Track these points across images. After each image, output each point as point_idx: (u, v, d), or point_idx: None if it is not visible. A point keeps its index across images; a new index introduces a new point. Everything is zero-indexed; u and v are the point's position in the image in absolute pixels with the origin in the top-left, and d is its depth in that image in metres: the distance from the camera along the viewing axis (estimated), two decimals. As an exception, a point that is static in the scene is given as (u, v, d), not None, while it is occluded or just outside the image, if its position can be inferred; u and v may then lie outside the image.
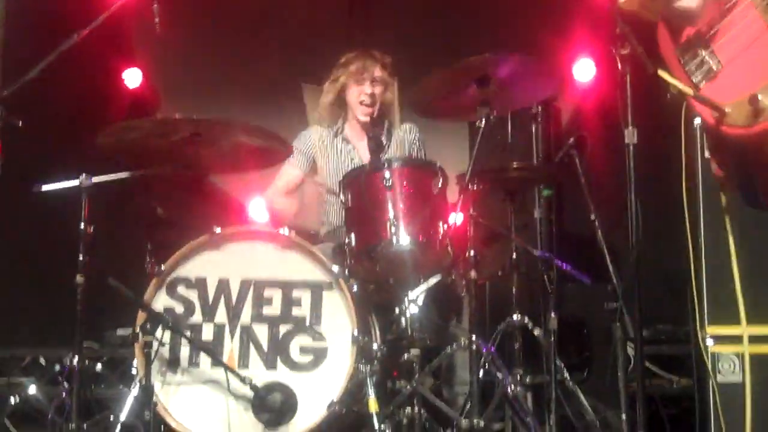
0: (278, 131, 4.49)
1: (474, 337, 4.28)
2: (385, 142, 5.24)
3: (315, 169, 5.47)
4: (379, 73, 5.31)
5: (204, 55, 7.35)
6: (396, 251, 4.33)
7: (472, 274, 4.32)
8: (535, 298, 4.97)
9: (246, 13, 7.38)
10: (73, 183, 4.43)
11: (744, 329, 3.88)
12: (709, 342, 3.99)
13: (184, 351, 4.32)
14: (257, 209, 5.38)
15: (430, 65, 4.50)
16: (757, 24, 3.17)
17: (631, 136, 3.64)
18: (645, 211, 3.66)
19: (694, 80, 3.38)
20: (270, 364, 4.29)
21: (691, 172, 4.04)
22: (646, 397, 3.61)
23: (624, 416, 4.37)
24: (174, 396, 4.28)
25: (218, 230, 4.43)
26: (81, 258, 4.35)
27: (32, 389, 4.62)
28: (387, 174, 4.36)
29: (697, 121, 4.01)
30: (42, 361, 6.01)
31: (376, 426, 4.11)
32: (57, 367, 4.53)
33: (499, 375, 4.30)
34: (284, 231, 4.43)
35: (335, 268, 4.33)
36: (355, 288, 4.36)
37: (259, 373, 4.24)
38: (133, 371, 4.28)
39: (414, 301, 4.41)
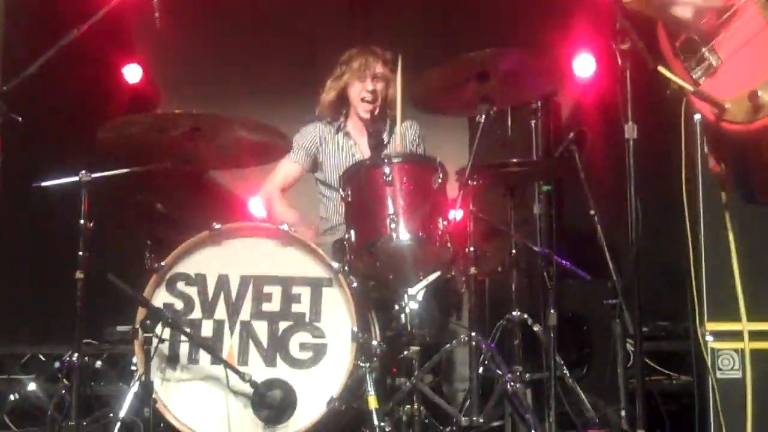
0: (278, 126, 4.48)
1: (473, 334, 4.28)
2: (386, 138, 5.24)
3: (315, 165, 5.47)
4: (381, 70, 5.32)
5: (204, 50, 7.35)
6: (396, 247, 4.33)
7: (472, 270, 4.32)
8: (534, 294, 4.97)
9: (246, 8, 7.37)
10: (73, 179, 4.43)
11: (744, 325, 3.88)
12: (709, 338, 3.99)
13: (184, 348, 4.32)
14: (256, 205, 5.38)
15: (431, 61, 4.49)
16: (756, 20, 3.16)
17: (631, 131, 3.63)
18: (645, 206, 3.65)
19: (693, 76, 3.36)
20: (269, 361, 4.28)
21: (691, 168, 4.04)
22: (645, 394, 3.60)
23: (623, 413, 4.37)
24: (173, 393, 4.28)
25: (218, 226, 4.41)
26: (80, 254, 4.35)
27: (32, 386, 4.63)
28: (387, 170, 4.35)
29: (697, 116, 4.00)
30: (41, 358, 6.01)
31: (376, 423, 4.10)
32: (56, 364, 4.53)
33: (499, 371, 4.30)
34: (284, 227, 4.42)
35: (335, 264, 4.33)
36: (354, 284, 4.35)
37: (258, 370, 4.23)
38: (133, 368, 4.28)
39: (414, 297, 4.41)
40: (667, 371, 5.72)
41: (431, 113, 5.06)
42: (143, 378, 4.06)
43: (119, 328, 6.03)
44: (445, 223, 4.37)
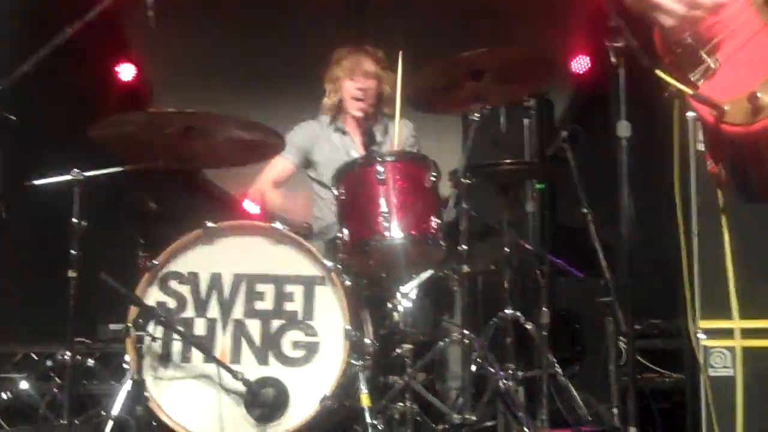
0: (272, 125, 4.47)
1: (466, 332, 4.29)
2: (380, 137, 5.24)
3: (308, 163, 5.46)
4: (372, 68, 5.32)
5: (197, 48, 7.36)
6: (389, 245, 4.31)
7: (465, 268, 4.33)
8: (527, 292, 4.98)
9: (240, 6, 7.38)
10: (65, 177, 4.43)
11: (736, 323, 3.89)
12: (701, 336, 4.00)
13: (176, 346, 4.29)
14: (250, 203, 5.37)
15: (426, 60, 4.50)
16: (753, 22, 3.16)
17: (623, 129, 3.63)
18: (637, 205, 3.65)
19: (692, 79, 3.37)
20: (262, 359, 4.27)
21: (683, 166, 4.04)
22: (637, 391, 3.61)
23: (616, 410, 4.39)
24: (166, 391, 4.26)
25: (210, 225, 4.41)
26: (73, 253, 4.35)
27: (24, 385, 4.62)
28: (380, 168, 4.35)
29: (690, 114, 4.02)
30: (34, 356, 6.00)
31: (368, 420, 4.08)
32: (49, 363, 4.52)
33: (492, 369, 4.30)
34: (277, 225, 4.41)
35: (328, 263, 4.32)
36: (347, 282, 4.35)
37: (251, 368, 4.22)
38: (125, 366, 4.27)
39: (406, 295, 4.41)
40: (659, 369, 5.73)
41: (425, 112, 5.05)
42: (135, 376, 4.05)
43: (112, 326, 6.02)
44: (438, 221, 4.36)
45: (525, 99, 5.67)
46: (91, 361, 4.68)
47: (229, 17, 7.35)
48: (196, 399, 4.25)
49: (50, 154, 5.61)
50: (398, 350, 4.34)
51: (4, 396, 4.50)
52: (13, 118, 4.12)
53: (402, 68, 4.89)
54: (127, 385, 4.15)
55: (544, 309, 4.62)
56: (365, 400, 4.15)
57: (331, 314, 4.30)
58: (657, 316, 5.85)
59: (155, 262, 4.36)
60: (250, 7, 7.32)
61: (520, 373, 4.51)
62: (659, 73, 3.30)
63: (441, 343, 4.47)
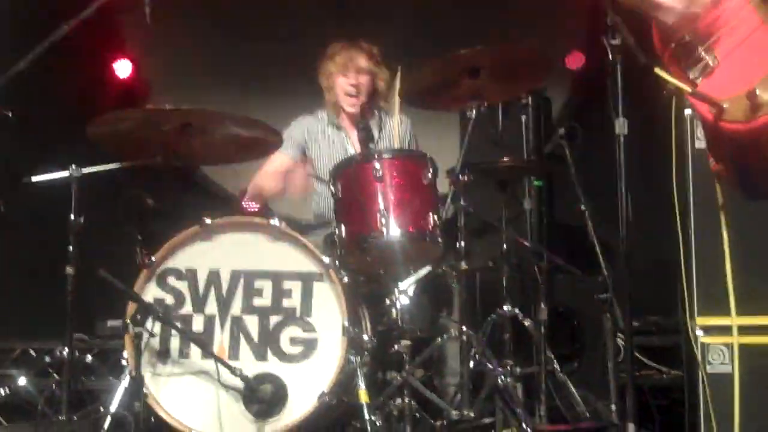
0: (269, 121, 4.48)
1: (464, 328, 4.29)
2: (376, 133, 5.24)
3: (305, 158, 5.45)
4: (365, 64, 5.31)
5: (194, 45, 7.35)
6: (386, 242, 4.31)
7: (463, 265, 4.33)
8: (525, 289, 4.98)
9: (236, 3, 7.37)
10: (63, 174, 4.42)
11: (733, 320, 3.89)
12: (699, 333, 4.01)
13: (175, 342, 4.30)
14: (248, 203, 5.37)
15: (422, 57, 4.50)
16: (752, 19, 3.17)
17: (621, 126, 3.63)
18: (635, 201, 3.66)
19: (690, 76, 3.37)
20: (260, 356, 4.28)
21: (681, 163, 4.05)
22: (635, 388, 3.60)
23: (614, 407, 4.39)
24: (164, 387, 4.26)
25: (208, 221, 4.41)
26: (71, 249, 4.35)
27: (22, 381, 4.60)
28: (377, 165, 4.34)
29: (688, 111, 4.02)
30: (32, 353, 6.00)
31: (367, 417, 4.09)
32: (47, 359, 4.51)
33: (490, 366, 4.30)
34: (275, 221, 4.41)
35: (326, 259, 4.32)
36: (345, 279, 4.35)
37: (249, 365, 4.23)
38: (124, 363, 4.27)
39: (404, 292, 4.41)
40: (657, 366, 5.73)
41: (422, 109, 5.06)
42: (134, 372, 4.06)
43: (110, 323, 6.03)
44: (436, 218, 4.36)
45: (522, 96, 5.68)
46: (89, 358, 4.66)
47: (227, 14, 7.34)
48: (195, 395, 4.25)
49: (48, 150, 5.60)
50: (396, 347, 4.34)
51: (2, 392, 4.48)
52: (10, 114, 4.12)
53: (393, 69, 4.89)
54: (126, 382, 4.14)
55: (542, 306, 4.62)
56: (363, 397, 4.15)
57: (329, 311, 4.30)
58: (655, 312, 5.85)
59: (153, 258, 4.37)
60: (247, 4, 7.32)
61: (518, 370, 4.51)
62: (658, 70, 3.31)
63: (439, 340, 4.47)
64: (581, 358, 5.41)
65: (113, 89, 7.26)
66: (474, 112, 4.41)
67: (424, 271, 4.53)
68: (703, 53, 3.22)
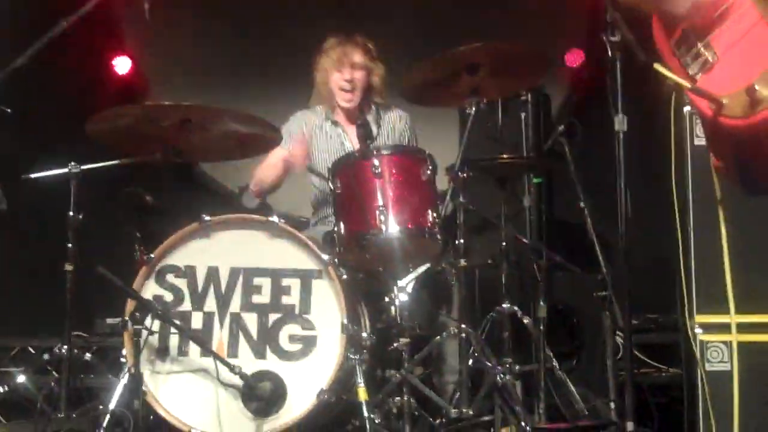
0: (269, 118, 4.47)
1: (463, 326, 4.29)
2: (375, 129, 5.23)
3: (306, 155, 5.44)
4: (359, 59, 5.29)
5: (194, 41, 7.35)
6: (385, 239, 4.31)
7: (462, 262, 4.33)
8: (524, 286, 4.98)
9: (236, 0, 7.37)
10: (62, 171, 4.42)
11: (732, 318, 3.88)
12: (698, 331, 4.00)
13: (174, 340, 4.30)
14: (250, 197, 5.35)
15: (421, 53, 4.50)
16: (751, 14, 3.16)
17: (620, 123, 3.63)
18: (635, 199, 3.66)
19: (690, 72, 3.36)
20: (259, 353, 4.28)
21: (680, 160, 4.04)
22: (634, 386, 3.61)
23: (613, 405, 4.39)
24: (163, 385, 4.27)
25: (207, 218, 4.41)
26: (70, 246, 4.35)
27: (21, 379, 4.60)
28: (376, 162, 4.34)
29: (687, 108, 4.02)
30: (31, 350, 6.00)
31: (366, 414, 4.09)
32: (46, 357, 4.52)
33: (489, 363, 4.30)
34: (274, 219, 4.41)
35: (325, 256, 4.32)
36: (344, 276, 4.35)
37: (248, 362, 4.22)
38: (122, 360, 4.27)
39: (403, 289, 4.41)
40: (656, 363, 5.73)
41: (422, 105, 5.05)
42: (133, 370, 4.06)
43: (109, 320, 6.02)
44: (435, 215, 4.36)
45: (522, 93, 5.67)
46: (88, 355, 4.66)
47: (226, 11, 7.33)
48: (194, 393, 4.26)
49: (47, 147, 5.61)
50: (395, 344, 4.34)
51: (1, 390, 4.49)
52: (9, 110, 4.12)
53: (389, 64, 4.88)
54: (125, 379, 4.13)
55: (541, 303, 4.62)
56: (362, 394, 4.15)
57: (328, 308, 4.30)
58: (654, 310, 5.85)
59: (152, 255, 4.37)
60: (246, 1, 7.31)
61: (517, 367, 4.50)
62: (657, 66, 3.31)
63: (438, 338, 4.47)
64: (580, 355, 5.41)
65: (112, 86, 7.26)
66: (473, 109, 4.41)
67: (423, 268, 4.53)
68: (702, 49, 3.22)
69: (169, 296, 4.38)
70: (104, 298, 4.83)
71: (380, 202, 4.31)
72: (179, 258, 4.41)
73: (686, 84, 3.24)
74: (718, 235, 3.84)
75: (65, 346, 4.30)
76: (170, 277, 4.39)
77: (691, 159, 4.13)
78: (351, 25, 5.59)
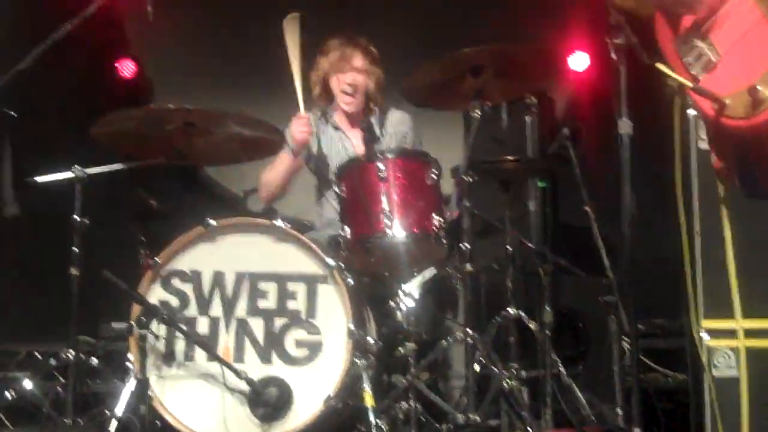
0: (272, 121, 4.47)
1: (469, 331, 4.28)
2: (378, 132, 5.22)
3: (308, 156, 5.42)
4: (360, 63, 5.26)
5: (197, 44, 7.33)
6: (390, 243, 4.31)
7: (468, 266, 4.32)
8: (530, 291, 4.97)
9: (240, 2, 7.35)
10: (67, 175, 4.42)
11: (739, 323, 3.88)
12: (705, 336, 3.99)
13: (180, 345, 4.31)
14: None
15: (424, 55, 4.49)
16: (753, 14, 3.17)
17: (625, 126, 3.63)
18: (640, 202, 3.65)
19: (692, 72, 3.37)
20: (265, 358, 4.29)
21: (685, 164, 4.03)
22: (641, 391, 3.61)
23: (619, 410, 4.38)
24: (169, 390, 4.27)
25: (213, 222, 4.41)
26: (75, 251, 4.34)
27: (27, 384, 4.60)
28: (381, 165, 4.34)
29: (691, 112, 4.01)
30: (37, 355, 5.99)
31: (372, 420, 4.09)
32: (52, 362, 4.51)
33: (495, 369, 4.30)
34: (279, 223, 4.41)
35: (330, 261, 4.32)
36: (350, 280, 4.34)
37: (254, 367, 4.23)
38: (129, 365, 4.26)
39: (409, 294, 4.41)
40: (663, 369, 5.71)
41: (426, 108, 5.04)
42: (139, 375, 4.06)
43: (114, 325, 6.01)
44: (440, 219, 4.36)
45: (526, 96, 5.66)
46: (94, 360, 4.66)
47: (229, 13, 7.32)
48: (200, 398, 4.26)
49: (51, 151, 5.60)
50: (401, 349, 4.34)
51: (7, 395, 4.48)
52: (14, 114, 4.12)
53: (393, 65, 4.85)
54: (131, 384, 4.14)
55: (546, 308, 4.61)
56: (369, 400, 4.15)
57: (334, 313, 4.31)
58: (660, 315, 5.83)
59: (157, 259, 4.36)
60: (250, 2, 7.30)
61: (523, 373, 4.50)
62: (660, 66, 3.31)
63: (444, 343, 4.46)
64: (586, 361, 5.40)
65: (116, 89, 7.25)
66: (478, 112, 4.40)
67: (428, 273, 4.53)
68: (705, 49, 3.23)
69: (174, 301, 4.38)
70: (110, 303, 4.83)
71: (385, 205, 4.30)
72: (185, 262, 4.41)
73: (688, 83, 3.25)
74: (724, 238, 3.84)
75: (71, 351, 4.30)
76: (176, 282, 4.40)
77: (696, 163, 4.12)
78: (353, 26, 5.58)
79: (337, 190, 4.51)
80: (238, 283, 4.38)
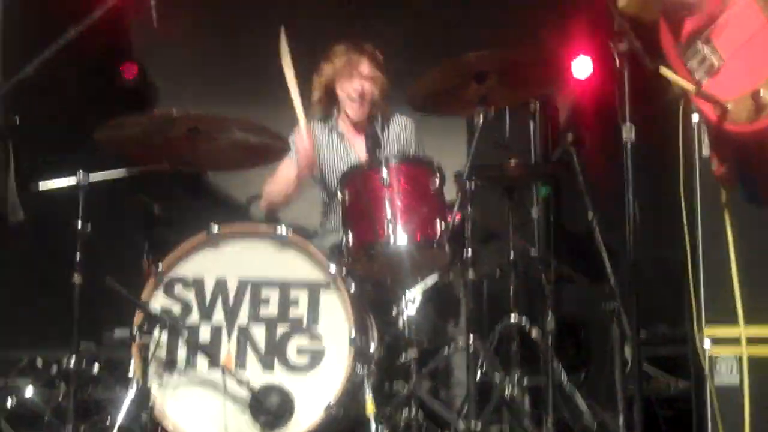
0: (276, 128, 4.47)
1: (471, 339, 4.27)
2: (382, 139, 5.21)
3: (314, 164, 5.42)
4: (367, 69, 5.24)
5: (202, 49, 7.34)
6: (393, 250, 4.30)
7: (470, 273, 4.31)
8: (532, 298, 4.96)
9: (243, 6, 7.36)
10: (70, 181, 4.42)
11: (742, 331, 3.86)
12: (707, 344, 3.98)
13: (182, 352, 4.30)
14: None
15: (427, 61, 4.48)
16: (757, 19, 3.16)
17: (628, 132, 3.62)
18: (643, 209, 3.64)
19: (696, 77, 3.36)
20: (267, 366, 4.28)
21: (689, 170, 4.02)
22: (643, 399, 3.59)
23: (621, 418, 4.37)
24: (171, 398, 4.26)
25: (216, 229, 4.40)
26: (78, 257, 4.34)
27: (29, 391, 4.61)
28: (384, 172, 4.34)
29: (695, 118, 4.00)
30: (39, 362, 6.00)
31: (374, 428, 4.09)
32: (54, 369, 4.51)
33: (497, 377, 4.29)
34: (282, 230, 4.41)
35: (332, 268, 4.31)
36: (352, 288, 4.33)
37: (256, 375, 4.22)
38: (130, 373, 4.25)
39: (411, 301, 4.40)
40: (665, 376, 5.69)
41: (429, 114, 5.04)
42: (140, 383, 4.06)
43: (117, 332, 6.01)
44: (443, 225, 4.35)
45: (530, 101, 5.66)
46: (96, 368, 4.66)
47: (233, 18, 7.33)
48: (201, 406, 4.25)
49: (54, 156, 5.60)
50: (403, 357, 4.33)
51: (9, 402, 4.49)
52: (17, 119, 4.12)
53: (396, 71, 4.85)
54: (132, 392, 4.14)
55: (549, 315, 4.60)
56: (370, 408, 4.15)
57: (336, 320, 4.30)
58: (663, 322, 5.82)
59: (160, 266, 4.36)
60: (254, 8, 7.30)
61: (525, 381, 4.49)
62: (663, 70, 3.30)
63: (446, 350, 4.46)
64: (588, 368, 5.39)
65: (120, 94, 7.27)
66: (481, 117, 4.39)
67: (431, 280, 4.52)
68: (708, 53, 3.22)
69: (177, 308, 4.37)
70: (112, 310, 4.83)
71: (388, 212, 4.30)
72: (187, 269, 4.41)
73: (691, 87, 3.24)
74: (727, 246, 3.83)
75: (73, 359, 4.29)
76: (178, 289, 4.39)
77: (700, 169, 4.11)
78: (358, 30, 5.57)
79: (340, 196, 4.50)
80: (240, 290, 4.37)
